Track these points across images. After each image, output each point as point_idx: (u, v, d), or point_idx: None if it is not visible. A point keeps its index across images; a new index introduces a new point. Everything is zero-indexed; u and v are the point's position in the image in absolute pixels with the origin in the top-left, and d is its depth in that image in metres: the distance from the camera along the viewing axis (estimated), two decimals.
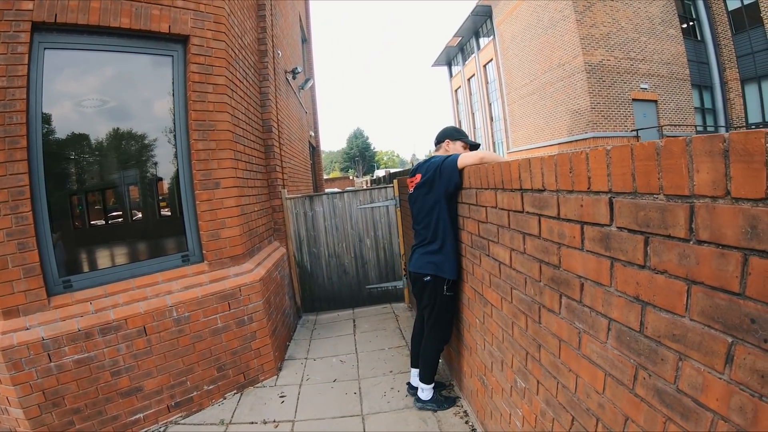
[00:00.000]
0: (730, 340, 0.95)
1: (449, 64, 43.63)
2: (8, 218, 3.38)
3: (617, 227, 1.29)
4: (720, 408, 0.98)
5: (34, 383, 3.43)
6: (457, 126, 42.09)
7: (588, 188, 1.41)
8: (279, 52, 7.72)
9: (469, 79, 37.92)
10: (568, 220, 1.54)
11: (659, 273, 1.15)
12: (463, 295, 3.27)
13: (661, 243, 1.13)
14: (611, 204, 1.31)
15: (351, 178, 51.47)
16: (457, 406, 3.72)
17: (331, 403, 4.09)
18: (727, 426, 0.96)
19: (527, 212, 1.87)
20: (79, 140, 4.06)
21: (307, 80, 11.84)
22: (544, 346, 1.88)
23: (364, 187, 11.09)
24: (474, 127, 38.32)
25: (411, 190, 3.62)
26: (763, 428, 0.87)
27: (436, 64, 43.99)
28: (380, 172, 66.63)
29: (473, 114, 38.36)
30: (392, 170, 50.89)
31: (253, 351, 4.59)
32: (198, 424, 4.00)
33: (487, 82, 33.84)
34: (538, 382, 2.00)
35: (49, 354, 3.48)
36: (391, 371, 4.58)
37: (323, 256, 7.03)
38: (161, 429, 3.97)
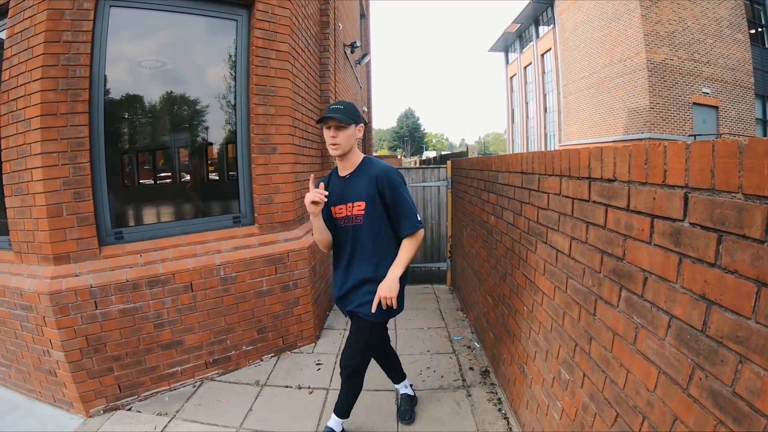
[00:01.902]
0: None
1: (506, 51, 42.54)
2: (66, 168, 3.53)
3: (690, 223, 1.26)
4: None
5: (78, 328, 3.59)
6: (510, 114, 42.41)
7: (663, 181, 1.37)
8: (340, 24, 7.73)
9: (525, 68, 36.91)
10: (638, 213, 1.50)
11: (729, 272, 1.12)
12: (511, 281, 3.24)
13: (735, 242, 1.09)
14: (686, 199, 1.27)
15: (399, 157, 51.31)
16: (491, 392, 3.72)
17: (367, 376, 4.10)
18: None
19: (593, 201, 1.83)
20: (137, 99, 4.19)
21: (364, 55, 11.85)
22: (596, 338, 1.85)
23: (411, 166, 11.04)
24: (527, 117, 37.42)
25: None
26: None
27: (493, 49, 42.99)
28: (430, 153, 66.18)
29: (527, 103, 37.36)
30: (443, 152, 50.42)
31: (294, 317, 4.70)
32: (233, 383, 4.14)
33: (543, 72, 32.84)
34: (584, 374, 1.98)
35: (95, 301, 3.63)
36: (428, 350, 4.61)
37: None
38: (197, 383, 4.14)
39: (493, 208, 3.84)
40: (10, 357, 4.03)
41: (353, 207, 2.81)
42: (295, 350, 4.73)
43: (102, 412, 3.73)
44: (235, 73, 4.44)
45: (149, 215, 4.39)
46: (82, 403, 3.67)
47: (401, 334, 5.10)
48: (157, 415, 3.68)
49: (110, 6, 3.75)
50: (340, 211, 2.87)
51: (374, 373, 4.08)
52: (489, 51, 43.79)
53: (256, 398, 3.85)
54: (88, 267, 3.64)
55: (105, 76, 3.77)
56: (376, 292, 2.76)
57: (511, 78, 41.64)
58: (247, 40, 4.44)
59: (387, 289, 2.67)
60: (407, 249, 2.79)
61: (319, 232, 2.89)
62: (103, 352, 3.70)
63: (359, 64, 11.50)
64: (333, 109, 2.70)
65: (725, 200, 1.12)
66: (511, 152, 42.70)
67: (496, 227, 3.73)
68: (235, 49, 4.43)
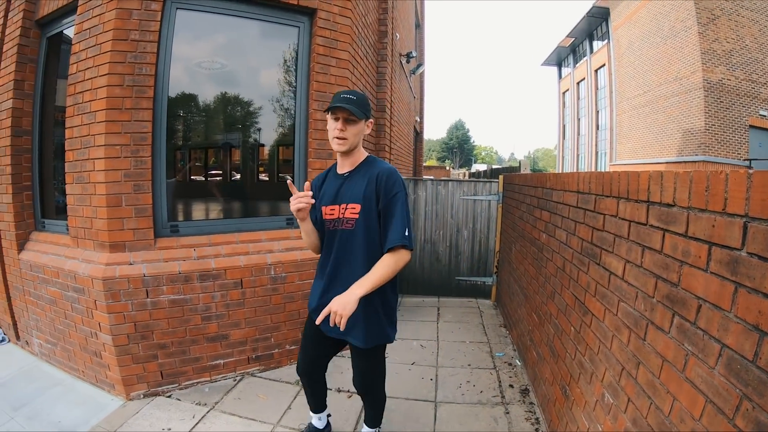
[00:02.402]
0: None
1: (559, 65, 42.01)
2: (128, 160, 3.75)
3: (747, 252, 1.25)
4: None
5: (128, 314, 3.77)
6: (561, 130, 41.59)
7: (723, 209, 1.37)
8: (397, 34, 7.83)
9: (578, 83, 36.33)
10: (696, 239, 1.50)
11: None
12: (559, 300, 3.22)
13: None
14: (745, 228, 1.27)
15: (447, 168, 51.11)
16: (530, 412, 3.69)
17: (406, 384, 4.19)
18: None
19: (651, 225, 1.82)
20: (195, 98, 4.40)
21: (419, 65, 11.93)
22: (643, 363, 1.84)
23: (462, 178, 11.01)
24: (578, 134, 36.67)
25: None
26: None
27: (546, 63, 42.56)
28: (480, 166, 65.68)
29: (579, 120, 36.69)
30: (493, 166, 49.98)
31: None
32: (274, 380, 4.25)
33: (596, 88, 32.19)
34: (628, 399, 1.96)
35: (147, 290, 3.81)
36: (469, 365, 4.60)
37: (419, 240, 7.15)
38: (237, 377, 4.27)
39: (545, 225, 3.82)
40: (58, 336, 4.27)
41: (346, 209, 2.49)
42: (338, 354, 4.77)
43: (142, 396, 3.90)
44: (295, 78, 4.58)
45: (204, 211, 4.61)
46: (124, 386, 3.84)
47: (443, 345, 5.11)
48: (196, 404, 3.82)
49: (177, 8, 3.99)
50: (332, 212, 2.55)
51: (411, 382, 4.12)
52: (542, 65, 43.50)
53: (295, 397, 3.94)
54: (142, 257, 3.83)
55: (172, 73, 3.99)
56: (363, 313, 2.44)
57: (564, 93, 41.07)
58: (308, 46, 4.59)
59: (340, 304, 2.11)
60: (383, 266, 2.28)
61: (307, 235, 2.64)
62: (150, 339, 3.87)
63: (414, 74, 11.59)
64: (344, 98, 2.37)
65: None
66: (560, 169, 41.84)
67: (547, 245, 3.71)
68: (296, 55, 4.59)
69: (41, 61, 4.70)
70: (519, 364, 4.53)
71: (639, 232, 1.94)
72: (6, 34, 4.75)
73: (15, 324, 4.98)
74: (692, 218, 1.53)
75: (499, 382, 4.21)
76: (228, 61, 4.46)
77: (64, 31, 4.59)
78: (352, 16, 4.80)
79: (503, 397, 3.94)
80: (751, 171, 1.27)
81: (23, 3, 4.56)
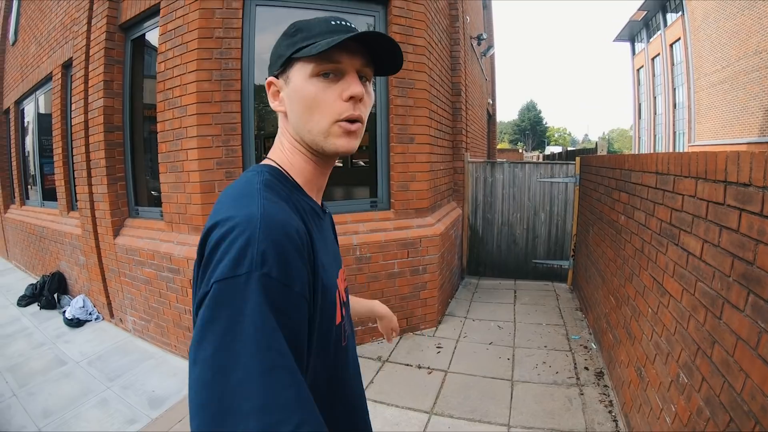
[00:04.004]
0: None
1: (632, 41, 39.45)
2: (220, 149, 4.07)
3: None
4: None
5: None
6: (636, 110, 38.29)
7: None
8: (467, 17, 7.81)
9: (653, 59, 34.03)
10: None
11: None
12: (638, 282, 3.21)
13: None
14: None
15: (520, 151, 49.87)
16: (604, 394, 3.69)
17: (483, 363, 4.30)
18: None
19: (728, 205, 1.82)
20: None
21: (489, 47, 11.84)
22: (719, 342, 1.85)
23: (537, 161, 10.84)
24: (655, 113, 34.39)
25: None
26: None
27: (618, 39, 40.16)
28: (554, 149, 63.54)
29: (655, 98, 34.38)
30: (568, 148, 48.39)
31: (419, 300, 4.94)
32: (358, 356, 4.40)
33: (672, 64, 30.01)
34: (702, 378, 1.97)
35: None
36: (545, 346, 4.64)
37: (496, 223, 7.19)
38: None
39: (623, 207, 3.77)
40: (151, 313, 4.69)
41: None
42: (417, 332, 4.99)
43: None
44: None
45: None
46: None
47: (520, 327, 5.17)
48: None
49: (256, 5, 4.26)
50: (344, 303, 1.12)
51: (488, 361, 4.22)
52: (614, 41, 41.15)
53: (377, 372, 4.16)
54: None
55: (254, 67, 4.26)
56: None
57: (638, 70, 38.68)
58: None
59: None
60: None
61: None
62: None
63: (484, 56, 11.48)
64: (348, 26, 0.96)
65: None
66: (636, 151, 39.69)
67: (625, 227, 3.67)
68: None
69: (127, 62, 5.16)
70: (594, 347, 4.51)
71: (717, 212, 1.94)
72: (92, 39, 5.29)
73: (109, 303, 5.58)
74: (767, 198, 1.54)
75: (575, 364, 4.22)
76: None
77: (146, 34, 5.03)
78: (425, 2, 4.89)
79: (578, 378, 3.96)
80: None
81: (106, 9, 5.04)
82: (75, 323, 5.58)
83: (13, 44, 9.35)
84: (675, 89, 30.32)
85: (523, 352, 4.51)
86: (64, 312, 5.82)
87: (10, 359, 4.76)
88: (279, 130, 1.05)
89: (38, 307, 6.41)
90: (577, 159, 6.64)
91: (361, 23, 4.71)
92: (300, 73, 0.93)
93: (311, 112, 0.94)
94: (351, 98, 0.93)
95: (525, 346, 4.65)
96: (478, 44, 9.81)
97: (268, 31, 4.36)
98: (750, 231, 1.65)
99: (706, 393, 1.93)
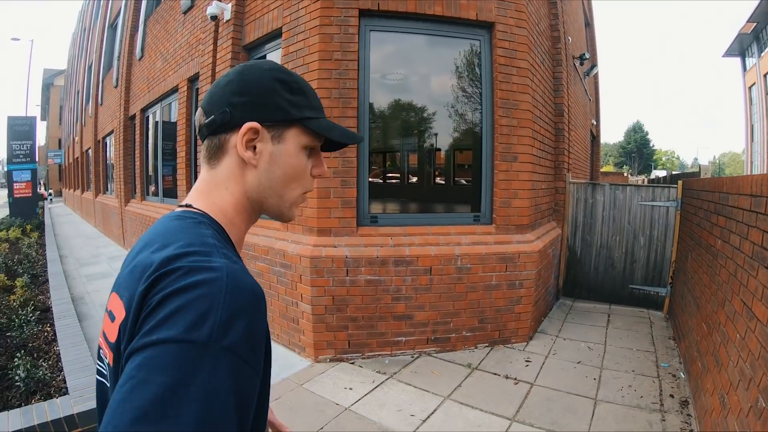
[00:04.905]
0: None
1: (743, 55, 36.11)
2: (337, 160, 4.49)
3: None
4: None
5: (328, 289, 4.49)
6: (749, 131, 35.07)
7: None
8: (569, 37, 7.82)
9: (765, 75, 31.01)
10: None
11: None
12: (729, 307, 3.22)
13: None
14: None
15: (625, 174, 47.68)
16: (686, 423, 3.62)
17: (569, 380, 4.34)
18: None
19: None
20: (387, 107, 5.08)
21: (592, 66, 11.63)
22: None
23: (639, 183, 10.54)
24: (767, 135, 31.69)
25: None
26: None
27: (728, 54, 37.00)
28: (659, 173, 59.87)
29: None
30: (674, 172, 45.63)
31: (513, 314, 5.06)
32: (448, 361, 4.70)
33: None
34: None
35: (347, 269, 4.50)
36: (633, 370, 4.57)
37: (595, 245, 7.11)
38: (415, 355, 4.80)
39: (720, 231, 3.68)
40: None
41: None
42: (507, 345, 5.11)
43: (328, 360, 4.60)
44: (482, 88, 5.00)
45: (399, 207, 5.29)
46: (314, 349, 4.58)
47: (609, 350, 5.12)
48: (376, 372, 4.42)
49: (370, 30, 4.68)
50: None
51: (574, 378, 4.38)
52: (723, 56, 37.89)
53: (466, 378, 4.34)
54: (345, 241, 4.55)
55: (369, 87, 4.69)
56: None
57: (750, 87, 35.40)
58: (490, 58, 5.00)
59: None
60: None
61: None
62: (344, 312, 4.55)
63: (588, 75, 11.31)
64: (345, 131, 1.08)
65: None
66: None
67: (721, 251, 3.59)
68: (479, 67, 5.01)
69: None
70: (683, 376, 4.42)
71: None
72: (218, 57, 6.07)
73: None
74: None
75: (660, 390, 4.14)
76: (410, 71, 5.13)
77: (267, 55, 5.67)
78: (527, 26, 5.09)
79: (662, 405, 3.89)
80: None
81: (231, 32, 5.80)
82: None
83: (140, 59, 10.52)
84: None
85: (609, 374, 4.48)
86: None
87: None
88: (222, 179, 0.91)
89: None
90: (679, 183, 6.46)
91: (466, 46, 5.01)
92: (296, 141, 0.92)
93: (292, 181, 0.94)
94: (323, 168, 1.01)
95: (612, 369, 4.61)
96: (581, 64, 9.76)
97: (379, 53, 4.81)
98: None
99: None
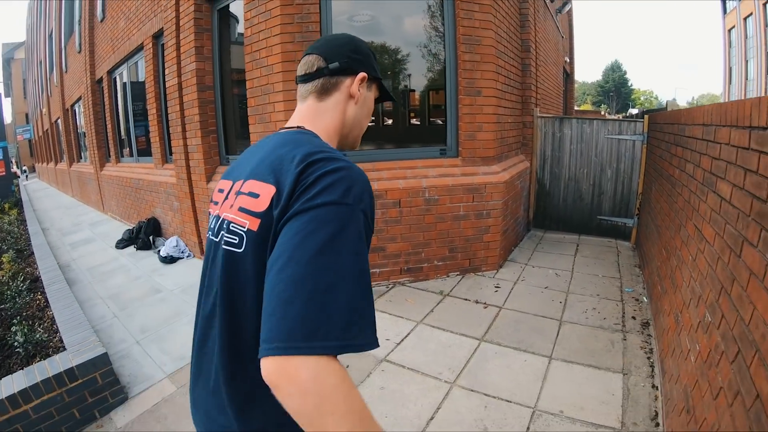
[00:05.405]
0: None
1: None
2: None
3: None
4: None
5: None
6: (727, 74, 35.00)
7: None
8: None
9: (745, 19, 30.86)
10: None
11: None
12: (684, 232, 3.32)
13: None
14: None
15: (603, 113, 47.70)
16: (645, 342, 3.83)
17: (536, 304, 4.59)
18: None
19: (751, 149, 1.92)
20: None
21: (564, 3, 11.47)
22: (737, 279, 1.97)
23: (606, 117, 10.59)
24: (746, 78, 31.30)
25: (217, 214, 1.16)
26: None
27: None
28: (634, 111, 60.58)
29: (746, 62, 31.31)
30: (646, 110, 45.47)
31: (482, 243, 5.27)
32: (421, 290, 4.92)
33: (766, 25, 27.16)
34: (722, 315, 2.09)
35: None
36: (598, 294, 4.82)
37: (563, 177, 7.26)
38: (390, 285, 5.01)
39: (678, 161, 3.80)
40: None
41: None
42: (478, 273, 5.35)
43: None
44: (444, 25, 4.97)
45: (374, 142, 5.29)
46: None
47: (576, 276, 5.37)
48: None
49: None
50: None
51: (541, 302, 4.60)
52: None
53: (438, 304, 4.58)
54: None
55: (332, 29, 4.64)
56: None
57: (729, 31, 35.35)
58: None
59: None
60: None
61: None
62: None
63: (560, 12, 11.19)
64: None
65: None
66: None
67: (678, 180, 3.72)
68: (442, 3, 4.97)
69: (215, 30, 5.73)
70: (646, 300, 4.61)
71: (743, 157, 2.04)
72: (181, 11, 5.89)
73: (200, 242, 6.36)
74: None
75: (623, 313, 4.37)
76: (375, 12, 5.03)
77: (230, 5, 5.60)
78: None
79: (624, 325, 4.12)
80: None
81: None
82: (168, 260, 6.30)
83: (102, 21, 10.13)
84: None
85: (575, 298, 4.73)
86: (159, 251, 6.56)
87: (111, 290, 5.54)
88: (328, 108, 1.22)
89: (135, 249, 7.25)
90: (646, 117, 6.53)
91: None
92: (375, 92, 1.35)
93: (366, 118, 1.33)
94: None
95: (578, 293, 4.86)
96: (551, 1, 9.64)
97: None
98: (765, 171, 1.76)
99: (723, 328, 2.06)
